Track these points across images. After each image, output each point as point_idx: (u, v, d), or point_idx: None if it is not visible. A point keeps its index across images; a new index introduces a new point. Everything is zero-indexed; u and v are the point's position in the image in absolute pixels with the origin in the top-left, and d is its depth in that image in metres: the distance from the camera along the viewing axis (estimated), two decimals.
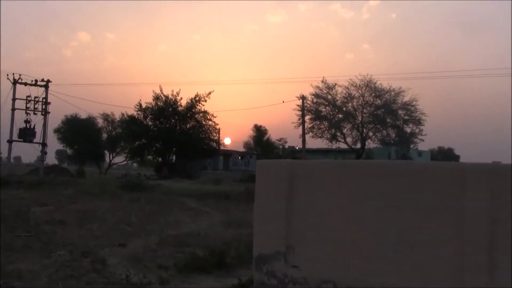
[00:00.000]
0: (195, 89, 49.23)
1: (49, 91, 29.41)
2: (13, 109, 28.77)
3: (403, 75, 77.10)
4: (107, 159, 42.60)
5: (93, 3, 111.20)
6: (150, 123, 35.32)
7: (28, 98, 28.94)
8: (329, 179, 3.61)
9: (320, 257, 3.51)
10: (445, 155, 47.72)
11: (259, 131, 35.93)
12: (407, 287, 3.21)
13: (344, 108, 25.37)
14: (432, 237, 3.20)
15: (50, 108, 29.55)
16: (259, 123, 36.95)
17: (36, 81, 29.05)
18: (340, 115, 25.54)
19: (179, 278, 4.73)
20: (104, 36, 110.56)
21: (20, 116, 28.77)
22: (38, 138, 28.95)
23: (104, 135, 40.82)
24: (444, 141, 61.03)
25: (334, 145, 26.42)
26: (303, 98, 26.35)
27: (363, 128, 25.38)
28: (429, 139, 35.51)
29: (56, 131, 38.55)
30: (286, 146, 33.98)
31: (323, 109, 25.95)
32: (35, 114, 29.04)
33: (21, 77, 28.78)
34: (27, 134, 28.68)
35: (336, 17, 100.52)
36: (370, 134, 25.67)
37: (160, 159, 36.07)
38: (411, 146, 27.08)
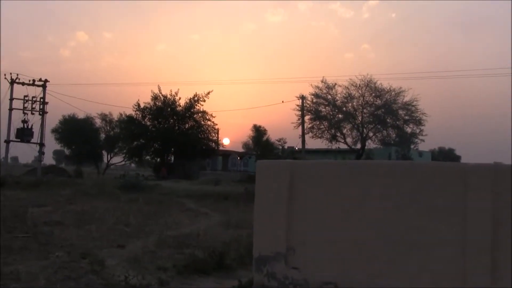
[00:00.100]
0: (193, 89, 49.29)
1: (46, 91, 29.30)
2: (11, 109, 28.63)
3: (403, 75, 77.06)
4: (105, 160, 42.55)
5: (91, 3, 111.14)
6: (148, 123, 35.26)
7: (26, 98, 28.82)
8: (330, 180, 3.58)
9: (321, 258, 3.48)
10: (446, 155, 47.65)
11: (258, 131, 35.86)
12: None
13: (344, 108, 25.28)
14: (435, 237, 3.18)
15: (47, 108, 29.46)
16: (258, 123, 36.82)
17: (33, 80, 28.93)
18: (340, 115, 25.44)
19: (178, 280, 4.70)
20: (102, 36, 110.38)
21: (17, 116, 28.69)
22: (35, 138, 28.87)
23: (102, 135, 40.75)
24: (444, 142, 61.09)
25: (334, 146, 26.31)
26: (302, 98, 26.29)
27: (363, 128, 25.31)
28: (429, 140, 35.54)
29: (54, 131, 38.43)
30: (286, 147, 33.88)
31: (323, 109, 25.86)
32: (32, 114, 28.93)
33: (19, 76, 28.69)
34: (24, 134, 28.54)
35: (336, 16, 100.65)
36: (370, 134, 25.58)
37: (158, 159, 36.00)
38: (412, 146, 27.00)
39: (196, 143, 34.26)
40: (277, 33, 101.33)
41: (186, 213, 11.24)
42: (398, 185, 3.32)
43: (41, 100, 29.10)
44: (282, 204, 3.61)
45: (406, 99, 24.48)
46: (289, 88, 42.05)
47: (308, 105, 26.18)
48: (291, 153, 30.70)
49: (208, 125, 35.05)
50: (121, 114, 37.77)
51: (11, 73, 28.61)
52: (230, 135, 66.37)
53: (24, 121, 28.67)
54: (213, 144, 36.02)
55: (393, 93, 24.62)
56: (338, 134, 25.70)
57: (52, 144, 41.04)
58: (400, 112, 24.72)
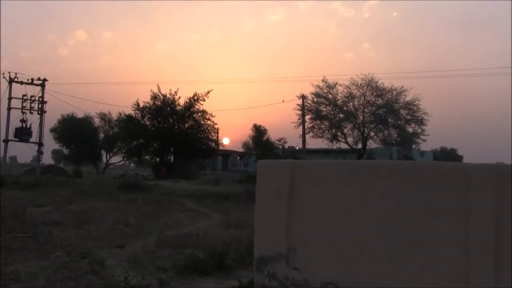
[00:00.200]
0: (193, 88, 49.01)
1: (45, 90, 29.27)
2: (9, 108, 28.57)
3: (404, 74, 76.96)
4: (104, 159, 42.48)
5: (90, 2, 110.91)
6: (147, 122, 35.19)
7: (25, 97, 28.76)
8: (331, 180, 3.57)
9: (321, 258, 3.47)
10: (448, 155, 47.50)
11: (259, 131, 35.80)
12: None
13: (345, 108, 25.19)
14: (436, 237, 3.17)
15: (46, 107, 29.42)
16: (258, 123, 36.81)
17: (32, 80, 28.88)
18: (341, 115, 25.35)
19: (178, 280, 4.68)
20: (101, 35, 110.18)
21: (16, 115, 28.62)
22: (34, 137, 28.80)
23: (101, 135, 40.67)
24: (446, 141, 61.04)
25: (335, 145, 26.24)
26: (303, 97, 26.22)
27: (364, 128, 25.24)
28: (431, 139, 35.38)
29: (53, 130, 38.34)
30: (286, 146, 33.80)
31: (324, 109, 25.78)
32: (31, 113, 28.87)
33: (17, 75, 28.64)
34: (23, 133, 28.48)
35: (337, 15, 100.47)
36: (372, 134, 25.52)
37: (158, 159, 35.94)
38: (413, 146, 26.96)
39: (196, 143, 34.20)
40: (277, 32, 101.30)
41: (186, 213, 11.22)
42: (399, 185, 3.31)
43: (40, 99, 29.05)
44: (282, 204, 3.59)
45: (408, 98, 24.42)
46: (289, 88, 42.17)
47: (308, 105, 26.13)
48: (292, 153, 30.64)
49: (208, 125, 35.02)
50: (120, 114, 37.68)
51: (9, 72, 28.60)
52: (230, 135, 66.38)
53: (22, 121, 28.62)
54: (213, 143, 35.97)
55: (394, 92, 24.54)
56: (339, 133, 25.64)
57: (50, 144, 41.05)
58: (402, 111, 24.63)
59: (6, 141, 28.55)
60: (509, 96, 61.23)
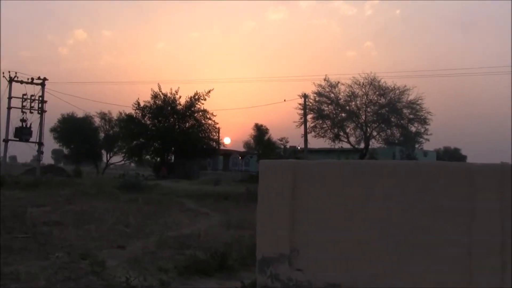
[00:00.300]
0: (194, 88, 49.08)
1: (45, 90, 29.27)
2: (9, 108, 28.56)
3: (406, 73, 76.78)
4: (105, 159, 42.47)
5: (90, 1, 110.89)
6: (148, 122, 35.16)
7: (24, 97, 28.74)
8: (333, 180, 3.54)
9: (324, 259, 3.45)
10: (452, 155, 47.28)
11: (260, 131, 35.74)
12: None
13: (347, 107, 25.10)
14: (440, 237, 3.14)
15: (46, 106, 29.41)
16: (259, 122, 36.68)
17: (32, 79, 28.87)
18: (343, 114, 25.27)
19: (180, 281, 4.66)
20: (101, 34, 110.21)
21: (16, 115, 28.62)
22: (34, 137, 28.78)
23: (101, 134, 40.68)
24: (450, 141, 60.86)
25: (337, 145, 26.15)
26: (305, 96, 26.13)
27: (366, 128, 25.15)
28: (434, 139, 35.22)
29: (53, 130, 38.34)
30: (288, 146, 33.70)
31: (326, 108, 25.69)
32: (31, 112, 28.87)
33: (17, 75, 28.62)
34: (23, 133, 28.47)
35: (338, 14, 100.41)
36: (374, 133, 25.43)
37: (158, 159, 35.92)
38: (416, 146, 26.85)
39: (197, 142, 34.16)
40: (279, 31, 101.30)
41: (186, 213, 11.20)
42: (402, 185, 3.29)
43: (40, 98, 29.04)
44: (285, 204, 3.57)
45: (411, 97, 24.31)
46: (291, 87, 42.07)
47: (310, 104, 26.06)
48: (293, 152, 30.57)
49: (209, 124, 34.97)
50: (120, 113, 37.69)
51: (9, 72, 28.59)
52: (231, 134, 66.15)
53: (22, 120, 28.61)
54: (214, 143, 35.93)
55: (397, 91, 24.42)
56: (341, 133, 25.57)
57: (50, 143, 41.07)
58: (405, 111, 24.52)
59: (6, 140, 28.53)
60: (509, 96, 61.22)
